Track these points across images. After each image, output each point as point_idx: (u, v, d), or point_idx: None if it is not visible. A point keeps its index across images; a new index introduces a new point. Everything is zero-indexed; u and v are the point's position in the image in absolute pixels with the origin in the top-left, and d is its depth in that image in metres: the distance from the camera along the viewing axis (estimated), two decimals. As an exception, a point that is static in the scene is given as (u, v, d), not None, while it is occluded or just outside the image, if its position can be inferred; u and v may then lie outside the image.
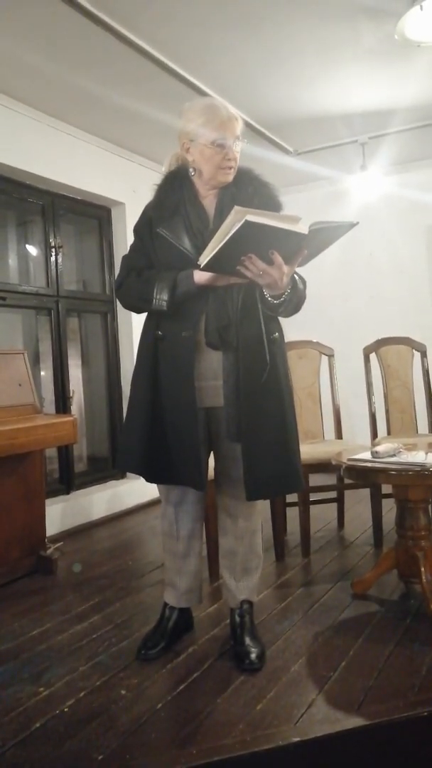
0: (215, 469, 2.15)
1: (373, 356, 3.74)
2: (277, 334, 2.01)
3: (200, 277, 1.87)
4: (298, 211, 1.74)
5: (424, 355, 3.78)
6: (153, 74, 3.29)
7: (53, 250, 4.10)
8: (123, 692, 1.92)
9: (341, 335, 4.60)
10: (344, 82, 3.54)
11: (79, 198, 4.29)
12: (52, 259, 4.10)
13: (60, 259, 4.14)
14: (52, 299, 4.09)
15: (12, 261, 4.20)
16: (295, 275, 1.93)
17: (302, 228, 1.65)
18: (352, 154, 4.59)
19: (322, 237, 1.73)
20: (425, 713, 1.74)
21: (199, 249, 1.84)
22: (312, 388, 3.57)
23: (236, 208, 1.60)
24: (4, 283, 3.85)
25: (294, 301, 1.93)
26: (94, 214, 4.52)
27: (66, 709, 1.85)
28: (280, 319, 2.03)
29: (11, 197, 3.91)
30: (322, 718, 1.74)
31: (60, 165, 3.94)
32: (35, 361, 4.15)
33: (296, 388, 3.50)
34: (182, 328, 1.94)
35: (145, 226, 2.04)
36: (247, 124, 3.98)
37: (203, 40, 3.02)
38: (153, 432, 2.00)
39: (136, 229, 2.09)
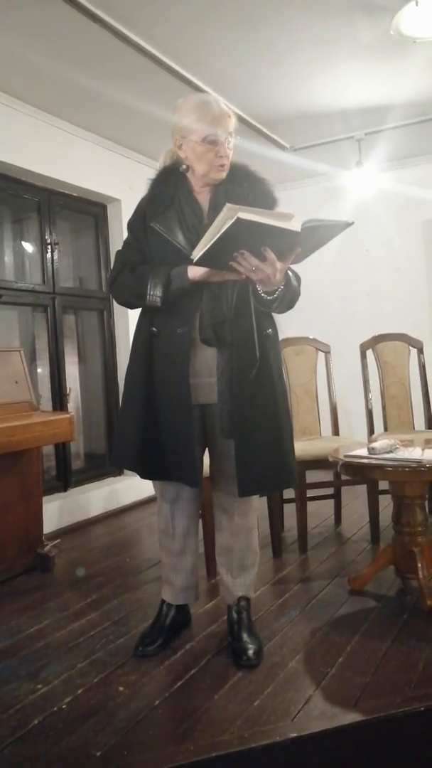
0: (210, 466, 2.15)
1: (369, 353, 3.74)
2: (270, 330, 2.01)
3: (194, 273, 1.86)
4: (294, 208, 1.73)
5: (420, 351, 3.78)
6: (149, 71, 3.28)
7: (49, 246, 4.09)
8: (121, 689, 1.93)
9: (338, 331, 4.60)
10: (340, 78, 3.53)
11: (75, 194, 4.27)
12: (48, 256, 4.09)
13: (56, 256, 4.13)
14: (48, 296, 4.08)
15: (8, 258, 4.18)
16: (289, 272, 1.92)
17: (295, 226, 1.65)
18: (348, 150, 4.58)
19: (316, 235, 1.73)
20: (422, 709, 1.75)
21: (194, 244, 1.83)
22: (309, 384, 3.57)
23: (228, 205, 1.59)
24: (-1, 281, 3.84)
25: (288, 297, 1.93)
26: (90, 211, 4.50)
27: (64, 706, 1.85)
28: (275, 315, 2.03)
29: (6, 194, 3.89)
30: (319, 714, 1.74)
31: (56, 161, 3.92)
32: (31, 359, 4.14)
33: (293, 384, 3.51)
34: (177, 325, 1.94)
35: (139, 221, 2.03)
36: (243, 121, 3.97)
37: (199, 36, 3.01)
38: (147, 429, 2.00)
39: (130, 225, 2.08)
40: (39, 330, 4.19)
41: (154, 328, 1.99)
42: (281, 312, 1.97)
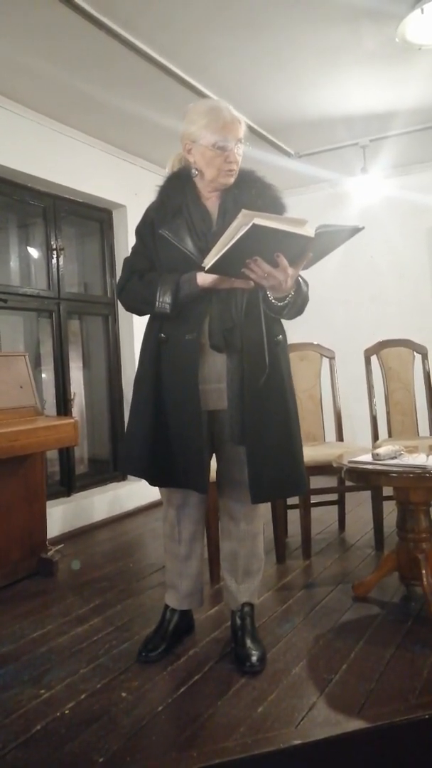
0: (217, 471, 2.15)
1: (374, 358, 3.74)
2: (280, 336, 2.01)
3: (203, 279, 1.86)
4: (299, 214, 1.74)
5: (424, 357, 3.78)
6: (154, 77, 3.29)
7: (54, 252, 4.11)
8: (124, 695, 1.92)
9: (342, 337, 4.60)
10: (345, 84, 3.54)
11: (80, 200, 4.29)
12: (54, 261, 4.10)
13: (61, 262, 4.15)
14: (53, 301, 4.09)
15: (13, 263, 4.20)
16: (299, 277, 1.92)
17: (308, 231, 1.65)
18: (352, 157, 4.60)
19: (327, 240, 1.73)
20: (426, 716, 1.74)
21: (202, 251, 1.84)
22: (313, 390, 3.57)
23: (243, 211, 1.59)
24: (5, 286, 3.85)
25: (298, 303, 1.93)
26: (96, 217, 4.52)
27: (66, 712, 1.84)
28: (283, 321, 2.04)
29: (12, 199, 3.91)
30: (323, 721, 1.73)
31: (61, 167, 3.94)
32: (36, 364, 4.16)
33: (297, 390, 3.48)
34: (186, 331, 1.93)
35: (147, 228, 2.04)
36: (248, 127, 3.93)
37: (204, 42, 3.03)
38: (156, 435, 1.99)
39: (138, 231, 2.08)
40: (44, 335, 4.21)
41: (162, 335, 1.99)
42: (291, 318, 1.97)
